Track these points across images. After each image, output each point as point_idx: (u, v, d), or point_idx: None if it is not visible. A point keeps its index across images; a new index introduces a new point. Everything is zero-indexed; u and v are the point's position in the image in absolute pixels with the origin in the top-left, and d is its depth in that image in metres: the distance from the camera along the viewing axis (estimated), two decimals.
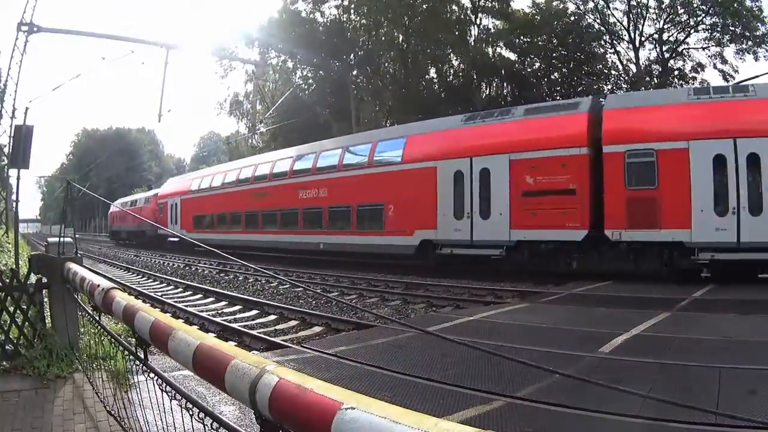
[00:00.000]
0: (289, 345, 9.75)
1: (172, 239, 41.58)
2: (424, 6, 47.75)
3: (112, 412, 5.06)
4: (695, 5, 40.78)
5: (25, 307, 6.79)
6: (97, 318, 5.36)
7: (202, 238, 30.37)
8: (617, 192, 17.90)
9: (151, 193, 52.72)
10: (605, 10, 44.52)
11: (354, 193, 25.81)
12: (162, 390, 3.41)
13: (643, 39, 44.30)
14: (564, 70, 48.00)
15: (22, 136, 14.71)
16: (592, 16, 45.54)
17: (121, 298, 4.07)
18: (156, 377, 3.57)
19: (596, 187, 18.58)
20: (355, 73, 50.51)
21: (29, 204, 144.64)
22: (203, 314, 13.84)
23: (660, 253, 17.58)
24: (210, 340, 2.63)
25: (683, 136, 17.04)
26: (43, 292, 7.03)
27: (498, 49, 50.05)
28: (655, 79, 43.76)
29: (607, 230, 18.03)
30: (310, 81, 53.74)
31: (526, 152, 19.84)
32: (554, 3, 47.07)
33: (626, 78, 45.48)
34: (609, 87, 45.59)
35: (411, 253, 23.11)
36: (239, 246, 30.63)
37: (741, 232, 16.09)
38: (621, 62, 46.03)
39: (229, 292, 17.77)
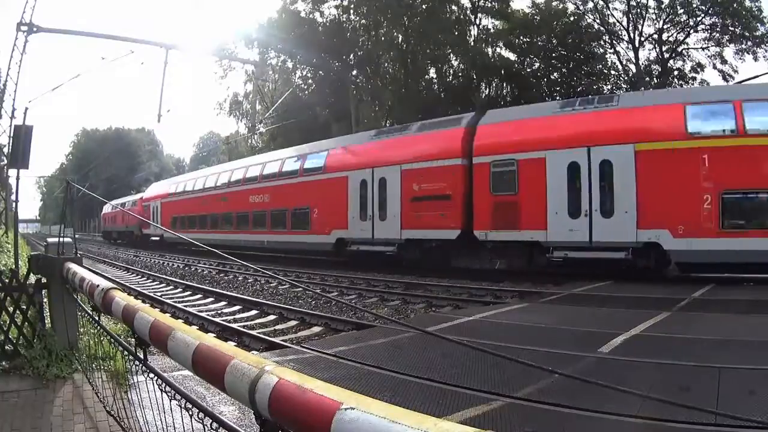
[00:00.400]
0: (289, 345, 9.75)
1: (153, 238, 48.07)
2: (424, 6, 47.73)
3: (112, 413, 5.06)
4: (695, 5, 40.80)
5: (24, 307, 6.79)
6: (97, 318, 5.36)
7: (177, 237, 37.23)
8: (484, 197, 20.83)
9: (138, 197, 57.13)
10: (605, 10, 44.55)
11: (289, 199, 29.89)
12: (161, 390, 3.41)
13: (642, 39, 44.33)
14: (563, 70, 48.04)
15: (22, 136, 14.71)
16: (591, 16, 45.59)
17: (121, 298, 4.07)
18: (155, 377, 3.56)
19: (470, 193, 21.36)
20: (354, 73, 50.49)
21: (29, 204, 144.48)
22: (203, 314, 13.83)
23: (521, 252, 20.18)
24: (209, 340, 2.63)
25: (541, 146, 19.53)
26: (43, 292, 7.03)
27: (497, 49, 50.12)
28: (654, 79, 43.78)
29: (476, 231, 20.90)
30: (310, 81, 53.75)
31: (415, 163, 23.18)
32: (554, 3, 47.11)
33: (626, 78, 45.50)
34: (609, 87, 45.63)
35: (329, 249, 27.03)
36: (206, 243, 31.98)
37: (593, 232, 18.30)
38: (620, 62, 46.08)
39: (228, 293, 17.77)
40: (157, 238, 46.39)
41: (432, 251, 22.75)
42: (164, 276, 23.86)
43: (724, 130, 16.59)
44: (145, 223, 46.75)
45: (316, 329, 12.41)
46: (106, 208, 64.69)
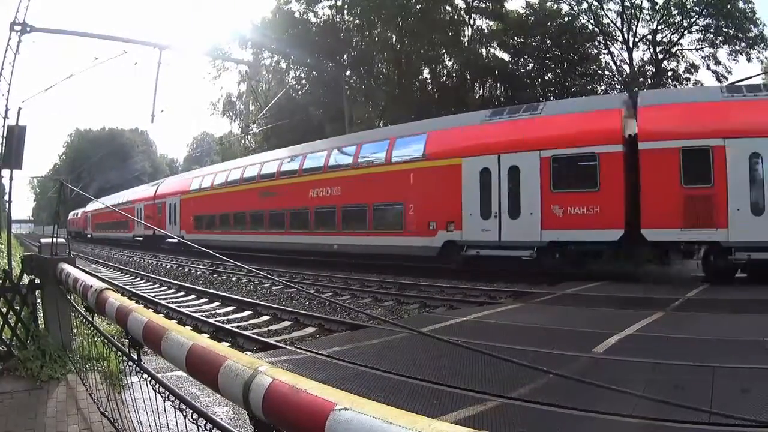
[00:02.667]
0: (283, 346, 9.74)
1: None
2: (418, 6, 47.67)
3: (106, 414, 5.05)
4: (689, 7, 40.90)
5: (18, 308, 6.77)
6: (90, 319, 5.34)
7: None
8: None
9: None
10: (599, 10, 44.59)
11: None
12: (155, 391, 3.40)
13: (636, 40, 44.41)
14: (558, 70, 48.03)
15: (15, 137, 14.64)
16: (585, 17, 45.63)
17: (114, 298, 4.06)
18: (149, 378, 3.56)
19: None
20: (348, 73, 50.44)
21: (22, 205, 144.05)
22: (196, 315, 13.83)
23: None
24: (203, 340, 2.63)
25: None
26: (36, 293, 7.01)
27: (492, 50, 50.11)
28: (648, 80, 43.86)
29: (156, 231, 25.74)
30: (304, 81, 53.61)
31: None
32: (548, 3, 47.09)
33: (620, 79, 45.57)
34: (603, 88, 45.67)
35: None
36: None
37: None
38: (615, 63, 46.14)
39: (222, 293, 17.76)
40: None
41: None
42: (158, 276, 23.84)
43: None
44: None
45: (309, 330, 12.41)
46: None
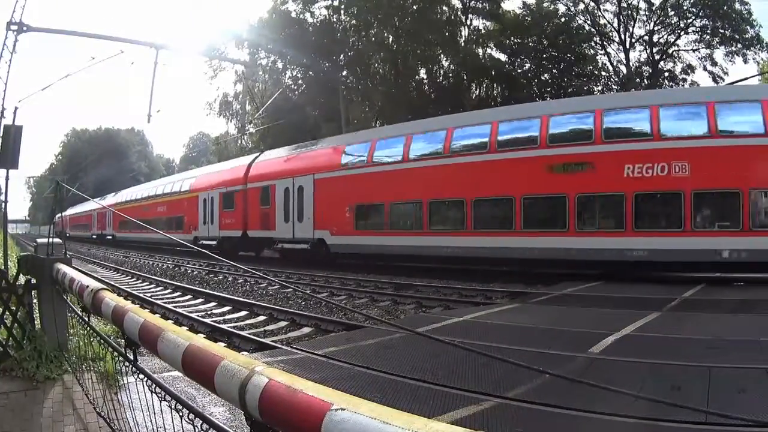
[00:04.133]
0: (279, 346, 9.72)
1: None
2: (414, 6, 47.75)
3: (102, 414, 5.04)
4: (685, 8, 41.02)
5: (14, 308, 6.76)
6: (87, 319, 5.34)
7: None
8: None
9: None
10: (596, 11, 44.74)
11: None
12: (152, 391, 3.39)
13: (633, 41, 44.63)
14: (554, 71, 48.19)
15: (11, 136, 14.61)
16: (582, 18, 45.82)
17: (110, 299, 4.05)
18: (146, 378, 3.55)
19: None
20: (344, 73, 50.43)
21: (18, 204, 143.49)
22: (192, 315, 13.81)
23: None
24: (199, 341, 2.62)
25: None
26: (32, 293, 7.01)
27: (488, 50, 50.30)
28: (645, 80, 43.96)
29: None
30: (300, 81, 53.59)
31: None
32: (545, 4, 47.23)
33: (616, 79, 45.67)
34: (599, 88, 45.81)
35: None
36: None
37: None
38: (611, 64, 46.30)
39: (218, 293, 17.73)
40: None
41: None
42: (154, 277, 23.79)
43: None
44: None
45: (306, 330, 12.39)
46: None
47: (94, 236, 62.53)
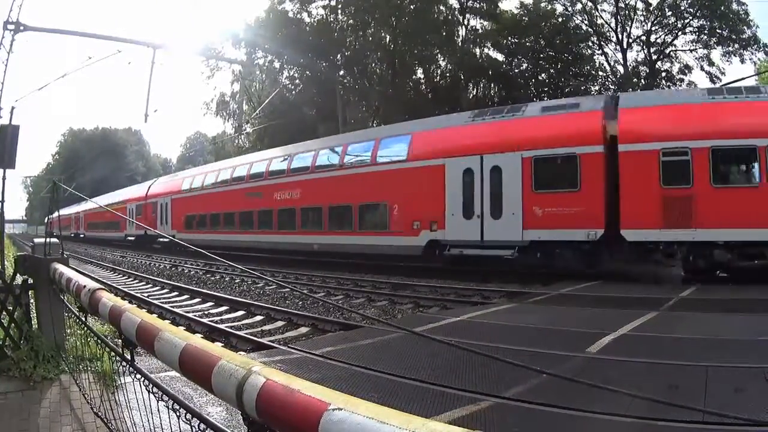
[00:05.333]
0: (276, 346, 9.72)
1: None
2: (412, 6, 47.78)
3: (99, 414, 5.03)
4: (683, 8, 41.07)
5: (11, 308, 6.74)
6: (84, 319, 5.33)
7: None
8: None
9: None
10: (593, 11, 44.78)
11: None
12: (149, 391, 3.39)
13: (630, 40, 44.70)
14: (552, 71, 48.23)
15: (8, 136, 14.63)
16: (579, 18, 45.88)
17: (108, 299, 4.04)
18: (143, 378, 3.55)
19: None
20: (342, 73, 50.40)
21: (15, 204, 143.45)
22: (190, 315, 13.80)
23: None
24: (196, 340, 2.62)
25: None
26: (29, 293, 6.99)
27: (485, 50, 50.32)
28: (642, 80, 44.00)
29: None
30: (297, 81, 53.60)
31: None
32: (542, 4, 47.26)
33: (614, 79, 45.71)
34: (596, 88, 45.85)
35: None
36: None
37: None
38: (609, 63, 46.37)
39: (215, 293, 17.75)
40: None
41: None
42: (151, 276, 23.78)
43: None
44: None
45: (303, 330, 12.41)
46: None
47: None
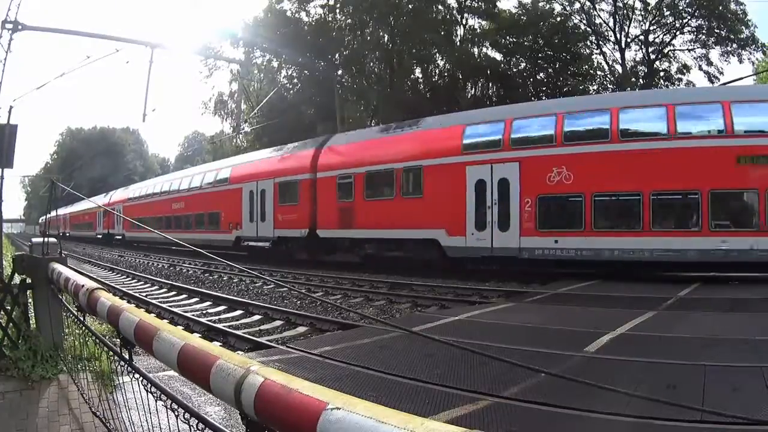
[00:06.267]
0: (274, 345, 9.71)
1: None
2: (410, 6, 47.69)
3: (98, 414, 5.03)
4: (681, 8, 41.10)
5: (9, 307, 6.74)
6: (82, 319, 5.33)
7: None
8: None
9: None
10: (591, 11, 44.80)
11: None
12: (147, 391, 3.38)
13: (629, 40, 44.71)
14: (550, 70, 48.19)
15: (6, 135, 14.57)
16: (578, 17, 45.90)
17: (106, 298, 4.04)
18: (141, 378, 3.55)
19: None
20: (340, 72, 50.27)
21: (13, 204, 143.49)
22: (188, 314, 13.80)
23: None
24: (195, 340, 2.62)
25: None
26: (28, 292, 6.98)
27: (484, 50, 50.23)
28: (640, 80, 44.03)
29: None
30: (295, 81, 53.44)
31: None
32: (540, 3, 47.24)
33: (612, 79, 45.72)
34: (595, 88, 45.86)
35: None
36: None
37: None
38: (607, 63, 46.38)
39: (213, 293, 17.75)
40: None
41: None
42: (149, 276, 23.80)
43: None
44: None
45: (301, 329, 12.41)
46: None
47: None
